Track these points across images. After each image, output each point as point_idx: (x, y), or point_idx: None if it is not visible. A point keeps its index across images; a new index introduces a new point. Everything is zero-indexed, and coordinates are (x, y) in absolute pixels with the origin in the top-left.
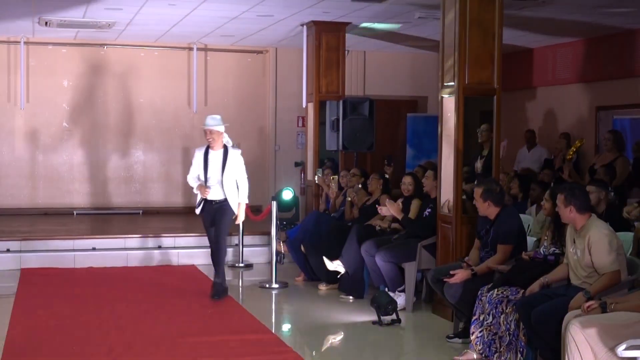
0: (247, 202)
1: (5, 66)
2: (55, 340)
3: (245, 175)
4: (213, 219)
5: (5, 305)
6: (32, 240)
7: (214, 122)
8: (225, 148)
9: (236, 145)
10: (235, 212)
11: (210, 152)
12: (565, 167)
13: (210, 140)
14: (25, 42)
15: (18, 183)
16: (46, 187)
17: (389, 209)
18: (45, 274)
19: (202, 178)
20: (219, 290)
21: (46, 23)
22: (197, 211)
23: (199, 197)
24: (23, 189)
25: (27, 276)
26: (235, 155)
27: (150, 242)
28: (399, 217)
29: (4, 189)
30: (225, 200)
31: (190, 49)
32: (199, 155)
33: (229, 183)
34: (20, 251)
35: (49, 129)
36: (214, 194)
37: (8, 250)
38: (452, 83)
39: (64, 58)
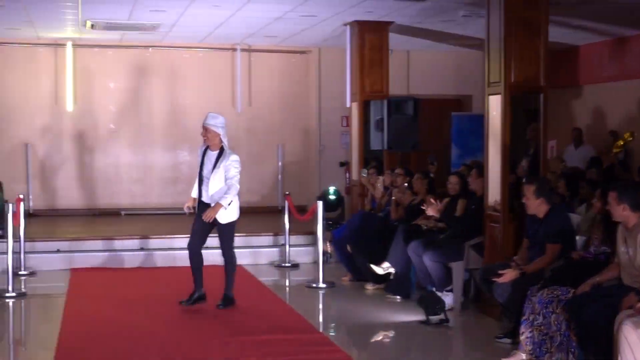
0: (224, 206)
1: (53, 69)
2: (105, 340)
3: (236, 179)
4: (209, 224)
5: (57, 304)
6: (81, 240)
7: (212, 122)
8: (222, 150)
9: (234, 151)
10: (227, 215)
11: (208, 151)
12: (605, 158)
13: (205, 138)
14: (72, 45)
15: (66, 184)
16: (94, 188)
17: (434, 209)
18: (95, 274)
19: (198, 177)
20: (226, 300)
21: (92, 26)
22: (187, 210)
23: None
24: (71, 190)
25: (77, 276)
26: (230, 159)
27: None
28: (437, 215)
29: (53, 191)
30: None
31: (234, 49)
32: (199, 153)
33: (216, 186)
34: (70, 251)
35: (96, 131)
36: (205, 195)
37: (58, 251)
38: (498, 81)
39: (110, 60)
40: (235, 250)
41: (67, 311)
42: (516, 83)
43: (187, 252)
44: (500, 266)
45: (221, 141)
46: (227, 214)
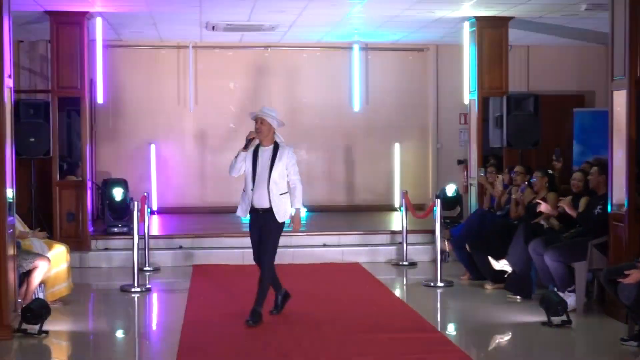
0: (302, 207)
1: (175, 70)
2: (226, 335)
3: (299, 177)
4: (259, 232)
5: (180, 300)
6: (202, 237)
7: (268, 112)
8: (276, 144)
9: (290, 145)
10: (282, 219)
11: (260, 147)
12: None
13: (258, 129)
14: (193, 47)
15: (188, 182)
16: (214, 187)
17: (547, 207)
18: (216, 270)
19: (250, 178)
20: (255, 316)
21: (213, 27)
22: (238, 212)
23: (244, 199)
24: (193, 188)
25: (199, 272)
26: (288, 153)
27: (315, 239)
28: (573, 214)
29: (175, 189)
30: (271, 210)
31: (352, 48)
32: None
33: (277, 186)
34: (191, 248)
35: (217, 130)
36: (260, 201)
37: (180, 248)
38: (623, 77)
39: (229, 61)
40: (354, 247)
41: (190, 306)
42: None
43: (306, 249)
44: (625, 266)
45: (275, 135)
46: (284, 213)
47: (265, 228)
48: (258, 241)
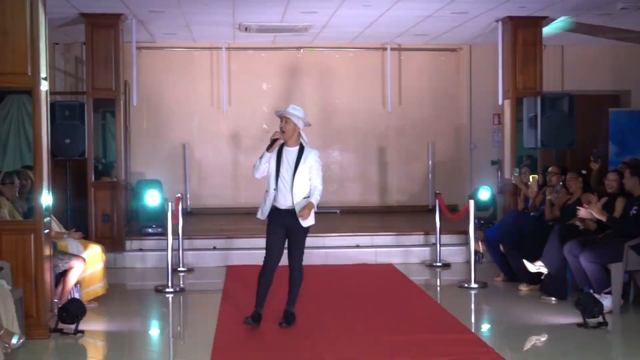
0: (315, 207)
1: (209, 71)
2: (259, 335)
3: (321, 181)
4: (285, 232)
5: (213, 300)
6: (236, 238)
7: (294, 111)
8: (301, 146)
9: (315, 149)
10: (307, 225)
11: (285, 148)
12: None
13: (282, 128)
14: (226, 48)
15: (222, 183)
16: (248, 187)
17: (587, 212)
18: (250, 271)
19: (273, 179)
20: (289, 317)
21: (246, 29)
22: (259, 214)
23: (266, 200)
24: (226, 189)
25: (233, 273)
26: (313, 157)
27: (348, 240)
28: (603, 218)
29: (209, 189)
30: (294, 211)
31: (384, 49)
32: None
33: (301, 188)
34: (225, 249)
35: (250, 131)
36: (284, 201)
37: (215, 248)
38: None
39: (262, 62)
40: (387, 248)
41: (223, 307)
42: None
43: (339, 250)
44: None
45: (300, 136)
46: (310, 217)
47: (292, 231)
48: (281, 241)
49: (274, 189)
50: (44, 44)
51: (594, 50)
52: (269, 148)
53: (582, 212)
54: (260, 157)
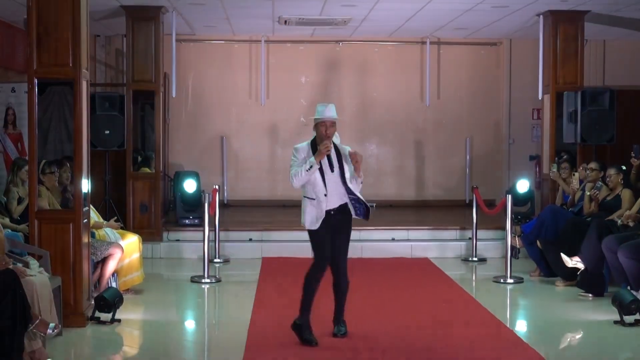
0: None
1: (247, 64)
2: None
3: None
4: (334, 234)
5: (249, 291)
6: (272, 230)
7: (335, 114)
8: (334, 143)
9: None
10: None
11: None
12: None
13: (329, 134)
14: (265, 41)
15: (259, 176)
16: (284, 180)
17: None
18: (285, 262)
19: (320, 185)
20: (345, 325)
21: (285, 22)
22: (310, 224)
23: (316, 207)
24: (263, 181)
25: (268, 264)
26: (346, 150)
27: (384, 234)
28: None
29: (246, 182)
30: (346, 205)
31: (424, 43)
32: (305, 154)
33: (351, 188)
34: (261, 241)
35: (287, 124)
36: (333, 202)
37: (250, 240)
38: None
39: (301, 55)
40: (423, 242)
41: (259, 297)
42: None
43: (375, 244)
44: None
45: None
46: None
47: (342, 229)
48: (335, 243)
49: (325, 195)
50: (85, 36)
51: (636, 45)
52: (317, 158)
53: (627, 215)
54: (308, 169)
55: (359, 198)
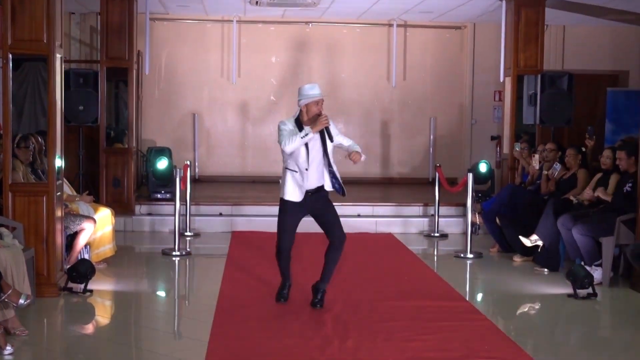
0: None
1: (219, 44)
2: (262, 299)
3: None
4: (312, 213)
5: (218, 264)
6: (242, 205)
7: (320, 91)
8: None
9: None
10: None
11: (306, 126)
12: None
13: (321, 111)
14: (237, 21)
15: (230, 152)
16: (255, 157)
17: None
18: (254, 236)
19: (301, 161)
20: (323, 297)
21: (257, 2)
22: (287, 194)
23: (289, 180)
24: (234, 158)
25: (238, 238)
26: (333, 126)
27: (350, 210)
28: (609, 199)
29: (218, 158)
30: (323, 188)
31: (391, 25)
32: (291, 128)
33: (332, 160)
34: (231, 215)
35: (258, 102)
36: (316, 180)
37: (220, 214)
38: None
39: (272, 36)
40: (387, 218)
41: (228, 271)
42: None
43: (341, 219)
44: None
45: None
46: (330, 184)
47: (325, 205)
48: (297, 225)
49: (306, 169)
50: (59, 12)
51: (595, 31)
52: (315, 128)
53: (585, 194)
54: (304, 136)
55: (336, 174)
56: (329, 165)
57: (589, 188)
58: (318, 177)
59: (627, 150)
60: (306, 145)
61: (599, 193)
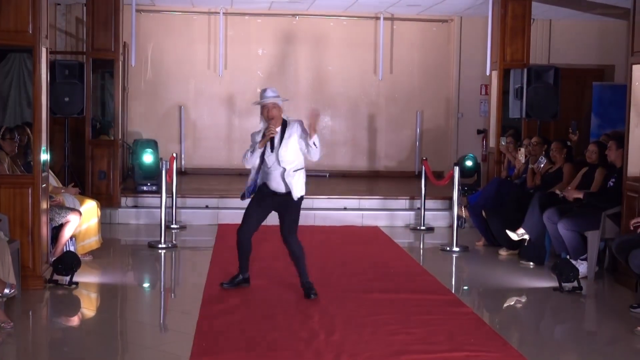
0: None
1: (206, 36)
2: (248, 290)
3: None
4: (274, 208)
5: (205, 257)
6: (228, 198)
7: (274, 94)
8: (284, 122)
9: (298, 119)
10: (299, 194)
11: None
12: None
13: (273, 117)
14: (224, 13)
15: (216, 145)
16: (241, 149)
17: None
18: None
19: (265, 168)
20: (312, 287)
21: None
22: (247, 184)
23: (249, 182)
24: (220, 150)
25: (224, 231)
26: (297, 126)
27: (336, 203)
28: (580, 196)
29: (204, 151)
30: (290, 193)
31: (378, 18)
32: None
33: (290, 164)
34: (217, 208)
35: (244, 95)
36: (277, 185)
37: (207, 207)
38: None
39: (258, 28)
40: (373, 212)
41: (214, 263)
42: None
43: (327, 212)
44: (637, 237)
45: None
46: (300, 186)
47: (286, 209)
48: (258, 216)
49: (268, 174)
50: (45, 3)
51: (581, 25)
52: (260, 142)
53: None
54: (252, 152)
55: (298, 179)
56: (285, 173)
57: (574, 184)
58: (278, 183)
59: (617, 141)
60: (263, 153)
61: (570, 194)
